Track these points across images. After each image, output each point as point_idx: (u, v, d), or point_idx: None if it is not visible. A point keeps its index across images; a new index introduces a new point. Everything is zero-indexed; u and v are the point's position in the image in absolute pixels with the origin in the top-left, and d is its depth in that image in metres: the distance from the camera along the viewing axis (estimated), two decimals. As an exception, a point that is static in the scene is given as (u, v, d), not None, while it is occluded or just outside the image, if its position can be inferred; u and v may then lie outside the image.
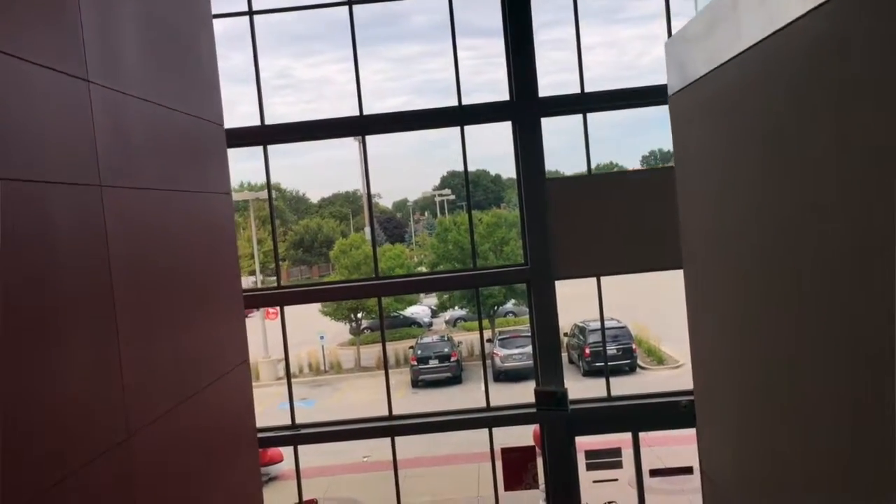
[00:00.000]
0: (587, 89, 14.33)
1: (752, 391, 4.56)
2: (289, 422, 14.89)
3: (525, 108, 14.23)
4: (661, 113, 15.18)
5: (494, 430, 14.86)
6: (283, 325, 14.87)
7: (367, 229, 13.71)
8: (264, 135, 14.37)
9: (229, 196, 8.47)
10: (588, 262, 14.52)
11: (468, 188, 15.31)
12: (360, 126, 14.43)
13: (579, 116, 14.47)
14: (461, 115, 14.39)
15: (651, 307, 36.02)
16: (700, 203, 5.52)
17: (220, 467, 7.44)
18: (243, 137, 14.27)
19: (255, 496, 8.71)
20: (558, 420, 14.45)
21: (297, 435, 14.68)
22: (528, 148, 14.34)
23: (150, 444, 5.91)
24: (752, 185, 4.40)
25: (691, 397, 14.66)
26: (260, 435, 15.10)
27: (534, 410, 14.70)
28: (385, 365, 15.17)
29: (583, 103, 14.39)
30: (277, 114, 70.25)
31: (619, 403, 15.08)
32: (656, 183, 14.31)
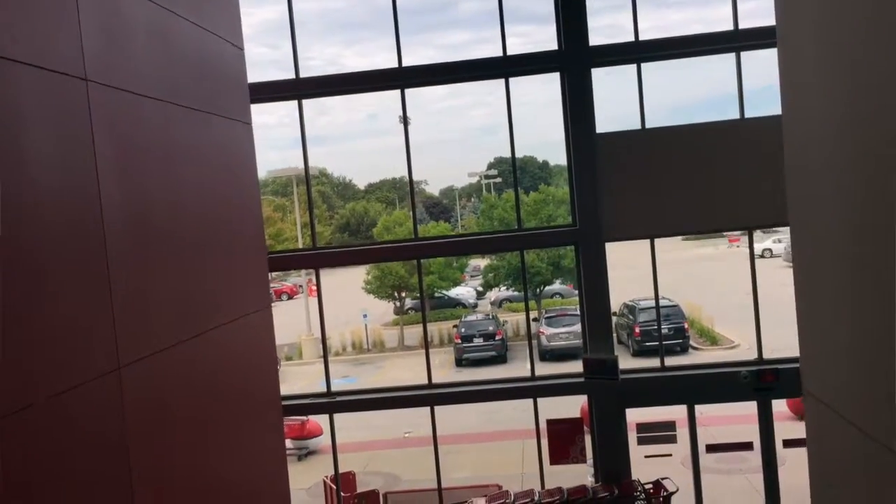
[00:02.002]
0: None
1: (866, 308, 3.83)
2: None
3: (574, 56, 13.30)
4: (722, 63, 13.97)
5: (541, 403, 14.01)
6: (319, 288, 14.19)
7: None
8: (299, 88, 13.68)
9: (250, 127, 7.78)
10: (642, 223, 13.57)
11: (513, 144, 14.10)
12: (399, 78, 13.64)
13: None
14: (506, 66, 13.52)
15: (703, 289, 34.80)
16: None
17: (235, 419, 6.75)
18: (278, 90, 13.63)
19: (276, 458, 8.02)
20: (608, 390, 13.56)
21: (333, 402, 14.05)
22: (578, 100, 13.42)
23: (145, 379, 5.25)
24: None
25: (752, 367, 13.72)
26: (294, 402, 14.57)
27: (582, 380, 13.83)
28: (424, 329, 14.43)
29: (638, 52, 13.41)
30: (328, 104, 69.99)
31: (673, 374, 14.12)
32: (725, 136, 13.33)
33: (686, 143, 13.43)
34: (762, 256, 46.60)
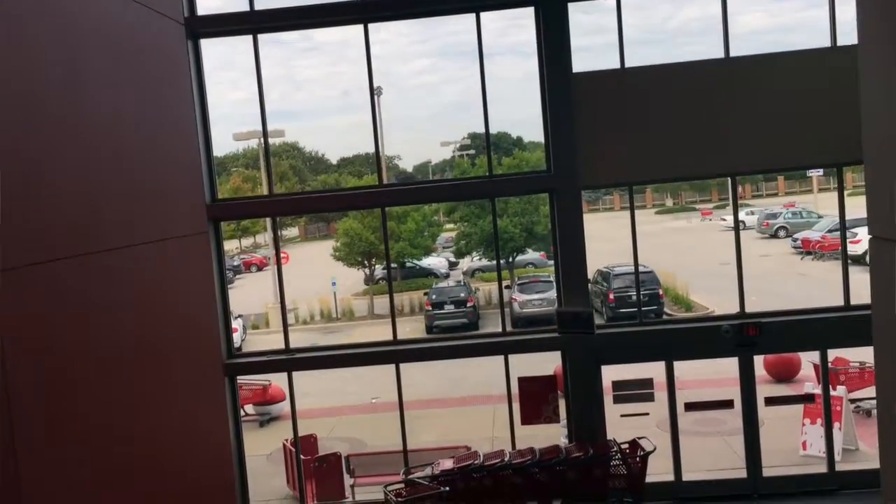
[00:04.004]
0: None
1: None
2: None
3: (550, -12, 12.41)
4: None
5: (514, 368, 13.22)
6: (276, 236, 13.17)
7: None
8: (253, 21, 12.64)
9: (181, 28, 6.82)
10: (621, 169, 12.80)
11: (484, 87, 13.19)
12: (363, 10, 12.66)
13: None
14: (476, -2, 12.59)
15: (677, 258, 34.37)
16: None
17: (159, 357, 5.86)
18: (230, 23, 12.59)
19: (216, 409, 7.15)
20: (583, 346, 12.83)
21: (291, 360, 13.17)
22: (553, 36, 12.56)
23: (33, 292, 4.34)
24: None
25: (734, 321, 13.06)
26: (250, 359, 13.69)
27: (556, 335, 13.09)
28: (389, 279, 13.54)
29: (616, -15, 12.55)
30: (301, 77, 68.71)
31: (651, 328, 13.43)
32: (709, 76, 12.55)
33: (668, 84, 12.64)
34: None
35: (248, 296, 36.56)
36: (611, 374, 13.42)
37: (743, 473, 13.18)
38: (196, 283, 6.87)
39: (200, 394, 6.75)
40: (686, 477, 13.22)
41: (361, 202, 14.32)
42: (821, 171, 52.21)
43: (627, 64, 12.74)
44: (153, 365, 5.90)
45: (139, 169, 5.87)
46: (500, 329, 13.66)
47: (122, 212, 5.49)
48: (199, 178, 6.98)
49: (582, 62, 12.72)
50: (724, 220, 50.10)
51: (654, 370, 13.41)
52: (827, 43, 12.69)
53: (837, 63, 12.36)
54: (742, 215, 46.70)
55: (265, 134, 12.75)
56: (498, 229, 13.95)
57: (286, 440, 14.72)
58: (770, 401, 13.69)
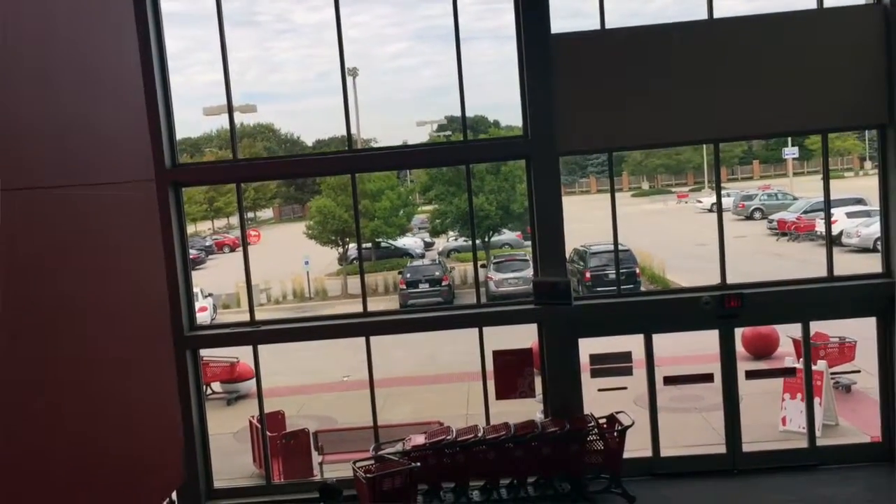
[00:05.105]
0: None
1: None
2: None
3: (528, -57, 11.87)
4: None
5: (489, 345, 12.76)
6: (240, 203, 12.56)
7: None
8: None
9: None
10: (600, 134, 12.31)
11: (459, 58, 12.64)
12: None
13: None
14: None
15: (653, 239, 34.18)
16: None
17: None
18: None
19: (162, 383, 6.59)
20: (560, 318, 12.39)
21: (256, 332, 12.62)
22: (531, -5, 12.02)
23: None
24: None
25: (714, 293, 12.69)
26: (213, 331, 13.11)
27: (531, 307, 12.64)
28: (359, 243, 13.00)
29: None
30: (277, 60, 67.91)
31: (629, 299, 13.03)
32: (692, 37, 12.08)
33: (650, 47, 12.16)
34: (711, 211, 46.29)
35: (221, 276, 35.91)
36: (588, 347, 13.02)
37: (722, 449, 12.86)
38: (141, 239, 6.27)
39: (144, 366, 6.16)
40: (664, 453, 12.88)
41: (330, 167, 13.72)
42: (796, 153, 52.34)
43: (608, 25, 12.25)
44: (88, 329, 5.31)
45: (73, 102, 5.27)
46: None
47: (52, 148, 4.90)
48: (143, 121, 6.37)
49: (562, 24, 12.24)
50: (699, 202, 50.02)
51: (632, 344, 13.04)
52: (814, 4, 12.30)
53: (826, 25, 11.97)
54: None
55: (228, 90, 12.09)
56: (472, 199, 13.47)
57: (252, 417, 14.18)
58: (751, 374, 13.38)
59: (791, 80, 12.00)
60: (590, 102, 12.16)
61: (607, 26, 12.26)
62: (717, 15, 12.24)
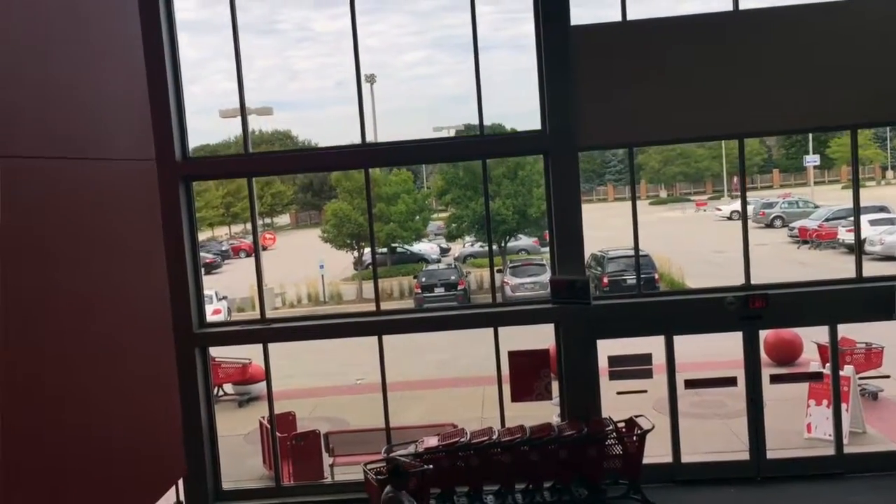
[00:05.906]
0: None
1: None
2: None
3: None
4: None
5: (505, 348, 12.39)
6: (251, 190, 12.22)
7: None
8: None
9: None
10: (620, 129, 11.97)
11: (477, 61, 12.26)
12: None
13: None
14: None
15: (672, 247, 33.69)
16: None
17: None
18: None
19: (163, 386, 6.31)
20: (578, 318, 12.03)
21: (267, 329, 12.35)
22: (550, -14, 11.72)
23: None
24: None
25: (739, 293, 12.29)
26: (223, 329, 12.86)
27: (549, 306, 12.29)
28: (372, 243, 12.70)
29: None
30: (297, 68, 68.23)
31: (650, 300, 12.64)
32: (715, 31, 11.74)
33: (673, 39, 11.82)
34: (730, 219, 45.69)
35: (236, 280, 35.82)
36: (607, 349, 12.64)
37: (745, 456, 12.42)
38: (140, 223, 6.02)
39: (142, 354, 5.89)
40: (685, 459, 12.46)
41: (344, 161, 13.45)
42: (817, 161, 51.67)
43: (629, 16, 11.92)
44: (85, 315, 5.05)
45: (70, 73, 5.02)
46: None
47: (39, 119, 4.64)
48: (144, 100, 6.13)
49: (582, 16, 11.93)
50: (718, 210, 49.41)
51: (652, 347, 12.63)
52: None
53: (855, 18, 11.58)
54: (736, 205, 45.97)
55: (241, 86, 11.87)
56: (489, 202, 13.17)
57: (262, 417, 13.90)
58: (775, 378, 12.95)
59: (817, 75, 11.62)
60: (609, 96, 11.83)
61: (628, 18, 11.94)
62: (742, 6, 11.90)
